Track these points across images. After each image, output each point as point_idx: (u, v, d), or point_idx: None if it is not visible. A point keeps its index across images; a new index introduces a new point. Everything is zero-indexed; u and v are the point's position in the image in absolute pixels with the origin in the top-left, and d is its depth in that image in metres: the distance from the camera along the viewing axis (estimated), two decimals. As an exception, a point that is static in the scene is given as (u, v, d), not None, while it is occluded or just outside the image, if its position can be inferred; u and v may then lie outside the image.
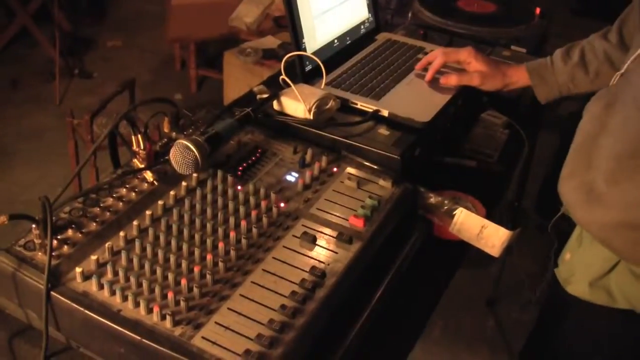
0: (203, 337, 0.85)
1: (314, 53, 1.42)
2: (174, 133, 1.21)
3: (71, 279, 0.92)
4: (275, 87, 1.34)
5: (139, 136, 1.11)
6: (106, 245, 0.96)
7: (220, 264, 0.95)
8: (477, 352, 2.49)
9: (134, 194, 1.07)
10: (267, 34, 3.53)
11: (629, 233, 1.10)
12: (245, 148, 1.22)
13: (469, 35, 1.81)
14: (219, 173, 1.12)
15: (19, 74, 4.07)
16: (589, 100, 1.20)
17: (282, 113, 1.31)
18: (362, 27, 1.63)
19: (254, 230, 1.02)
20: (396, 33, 1.76)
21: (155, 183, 1.10)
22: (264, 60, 3.28)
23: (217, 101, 3.55)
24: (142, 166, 1.12)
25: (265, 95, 1.31)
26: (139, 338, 0.85)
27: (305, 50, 1.40)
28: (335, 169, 1.19)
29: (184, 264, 0.94)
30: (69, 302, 0.89)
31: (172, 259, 0.95)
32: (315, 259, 0.99)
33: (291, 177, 1.16)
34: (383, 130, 1.29)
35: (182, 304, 0.88)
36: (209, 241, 0.98)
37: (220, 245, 0.98)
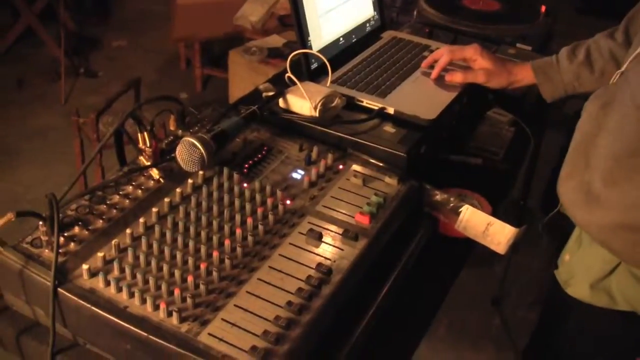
0: (209, 334, 0.85)
1: (320, 51, 1.42)
2: (180, 130, 1.20)
3: (78, 276, 0.92)
4: (280, 85, 1.34)
5: (145, 134, 1.12)
6: (113, 242, 0.96)
7: (227, 261, 0.95)
8: (483, 350, 2.49)
9: (140, 191, 1.08)
10: (272, 33, 3.52)
11: (628, 235, 1.10)
12: (251, 146, 1.22)
13: (474, 33, 1.80)
14: (225, 170, 1.12)
15: (25, 73, 4.08)
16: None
17: (288, 111, 1.31)
18: (367, 25, 1.63)
19: (260, 227, 1.02)
20: (402, 31, 1.76)
21: (162, 180, 1.10)
22: (269, 59, 3.28)
23: (223, 100, 3.55)
24: (148, 164, 1.12)
25: (271, 93, 1.31)
26: (145, 334, 0.85)
27: (310, 48, 1.40)
28: (341, 167, 1.19)
29: (190, 261, 0.94)
30: (75, 298, 0.89)
31: (178, 255, 0.95)
32: (322, 256, 0.99)
33: (297, 175, 1.16)
34: (389, 128, 1.29)
35: (189, 300, 0.88)
36: (215, 238, 0.98)
37: (227, 242, 0.98)
